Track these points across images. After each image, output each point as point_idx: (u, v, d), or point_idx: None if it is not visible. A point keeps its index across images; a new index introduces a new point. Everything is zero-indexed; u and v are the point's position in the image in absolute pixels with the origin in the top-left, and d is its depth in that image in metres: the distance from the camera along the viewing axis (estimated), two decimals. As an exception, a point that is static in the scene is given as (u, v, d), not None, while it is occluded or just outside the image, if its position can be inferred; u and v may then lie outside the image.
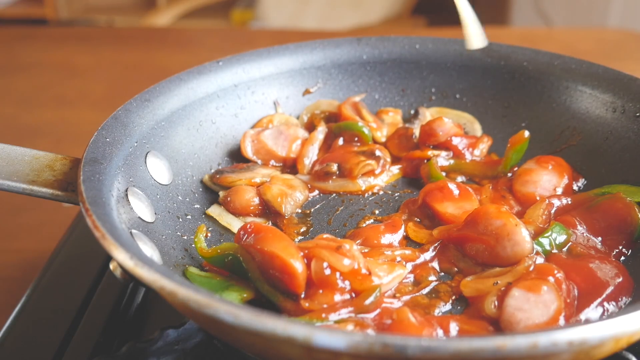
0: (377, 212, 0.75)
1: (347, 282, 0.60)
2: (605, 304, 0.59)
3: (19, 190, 0.63)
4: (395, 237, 0.70)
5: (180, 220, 0.72)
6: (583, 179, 0.77)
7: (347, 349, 0.44)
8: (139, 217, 0.65)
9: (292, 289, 0.60)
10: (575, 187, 0.76)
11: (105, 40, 1.74)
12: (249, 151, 0.82)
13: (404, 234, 0.71)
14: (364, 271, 0.60)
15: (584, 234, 0.66)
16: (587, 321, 0.57)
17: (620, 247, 0.66)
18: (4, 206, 1.02)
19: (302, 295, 0.60)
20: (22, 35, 1.74)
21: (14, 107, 1.39)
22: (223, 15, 3.23)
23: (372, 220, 0.74)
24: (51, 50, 1.65)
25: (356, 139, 0.83)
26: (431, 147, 0.79)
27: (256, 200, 0.75)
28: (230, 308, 0.46)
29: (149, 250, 0.62)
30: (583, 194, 0.73)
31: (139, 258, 0.51)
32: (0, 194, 0.68)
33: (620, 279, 0.61)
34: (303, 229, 0.73)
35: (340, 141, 0.83)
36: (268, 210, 0.76)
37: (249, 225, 0.64)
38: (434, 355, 0.44)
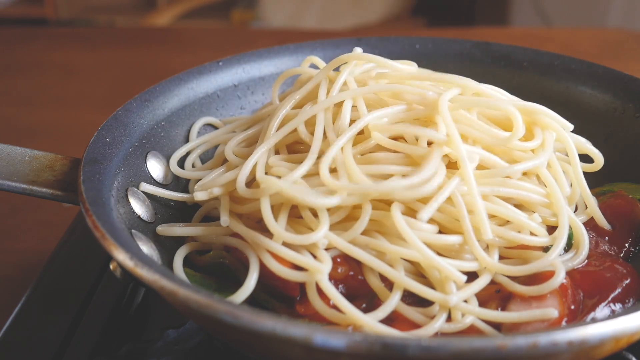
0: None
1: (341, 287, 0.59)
2: (612, 305, 0.58)
3: (19, 190, 0.63)
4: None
5: (181, 220, 0.72)
6: (583, 179, 0.77)
7: (347, 349, 0.44)
8: (139, 217, 0.65)
9: (287, 293, 0.60)
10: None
11: (105, 40, 1.74)
12: None
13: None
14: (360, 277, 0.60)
15: (591, 236, 0.66)
16: (588, 321, 0.57)
17: (627, 245, 0.66)
18: (4, 206, 1.02)
19: (298, 298, 0.60)
20: (22, 35, 1.74)
21: (14, 107, 1.39)
22: (223, 15, 3.23)
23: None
24: (51, 50, 1.65)
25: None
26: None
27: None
28: (230, 308, 0.46)
29: (149, 250, 0.62)
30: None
31: (139, 258, 0.51)
32: (0, 194, 0.68)
33: (628, 280, 0.60)
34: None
35: None
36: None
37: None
38: (434, 355, 0.44)
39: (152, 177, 0.72)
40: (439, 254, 0.58)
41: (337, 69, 0.71)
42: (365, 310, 0.56)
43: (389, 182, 0.58)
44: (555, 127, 0.68)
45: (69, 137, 1.25)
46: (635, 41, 1.64)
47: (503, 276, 0.59)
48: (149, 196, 0.69)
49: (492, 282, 0.59)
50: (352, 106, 0.67)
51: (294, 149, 0.69)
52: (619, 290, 0.59)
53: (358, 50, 0.74)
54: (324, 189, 0.60)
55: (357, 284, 0.59)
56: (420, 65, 0.75)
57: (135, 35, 1.81)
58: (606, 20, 2.77)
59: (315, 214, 0.60)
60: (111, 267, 0.62)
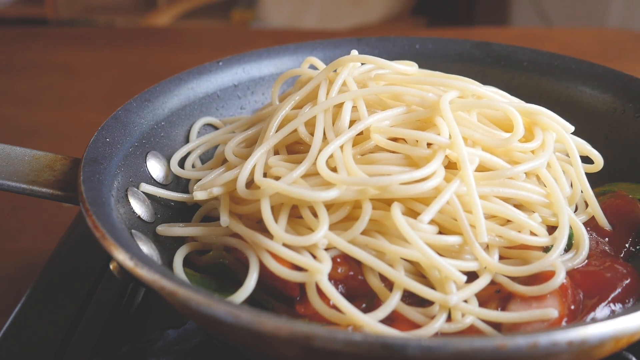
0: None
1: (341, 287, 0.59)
2: (612, 305, 0.58)
3: (19, 190, 0.63)
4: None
5: (181, 220, 0.72)
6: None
7: (347, 349, 0.44)
8: (139, 217, 0.65)
9: (287, 293, 0.60)
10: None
11: (105, 40, 1.74)
12: None
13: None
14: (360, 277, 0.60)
15: (592, 236, 0.66)
16: (588, 321, 0.57)
17: (627, 245, 0.66)
18: (4, 206, 1.02)
19: (298, 298, 0.60)
20: (22, 35, 1.74)
21: (14, 107, 1.39)
22: (223, 15, 3.23)
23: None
24: (51, 50, 1.65)
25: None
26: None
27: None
28: (230, 308, 0.46)
29: (149, 250, 0.62)
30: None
31: (139, 258, 0.51)
32: (0, 194, 0.68)
33: (628, 280, 0.60)
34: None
35: None
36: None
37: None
38: (434, 355, 0.44)
39: (152, 177, 0.72)
40: (439, 254, 0.58)
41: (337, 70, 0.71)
42: (365, 310, 0.56)
43: (387, 177, 0.58)
44: (556, 127, 0.68)
45: (69, 137, 1.25)
46: (635, 41, 1.64)
47: (503, 276, 0.59)
48: (149, 196, 0.69)
49: (492, 282, 0.59)
50: (352, 107, 0.67)
51: (293, 149, 0.69)
52: (619, 290, 0.59)
53: (354, 52, 0.74)
54: (323, 187, 0.60)
55: (357, 284, 0.59)
56: (420, 65, 0.75)
57: (135, 35, 1.81)
58: (606, 20, 2.77)
59: (315, 213, 0.60)
60: (111, 267, 0.62)
